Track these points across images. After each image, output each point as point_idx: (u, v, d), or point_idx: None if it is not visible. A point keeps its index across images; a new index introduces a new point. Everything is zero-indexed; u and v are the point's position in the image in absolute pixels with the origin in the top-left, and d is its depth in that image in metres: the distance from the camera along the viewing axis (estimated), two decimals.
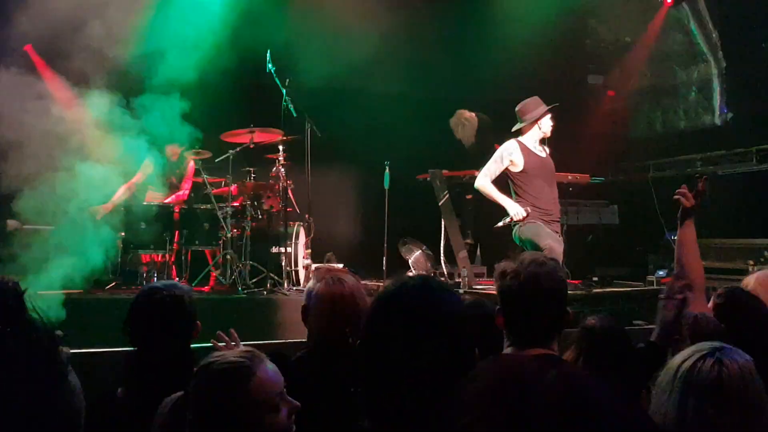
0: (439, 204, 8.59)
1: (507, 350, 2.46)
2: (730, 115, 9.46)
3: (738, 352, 1.80)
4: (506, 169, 6.42)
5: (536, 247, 6.11)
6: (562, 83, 9.58)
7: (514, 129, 6.54)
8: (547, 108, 6.48)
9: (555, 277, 2.46)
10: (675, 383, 1.76)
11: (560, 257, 6.09)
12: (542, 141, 6.62)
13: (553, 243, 6.06)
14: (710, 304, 3.25)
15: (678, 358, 1.83)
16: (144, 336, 2.62)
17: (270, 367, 1.94)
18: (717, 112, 9.54)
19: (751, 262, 7.95)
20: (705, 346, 1.82)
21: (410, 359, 1.52)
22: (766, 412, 1.75)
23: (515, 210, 6.26)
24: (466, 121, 8.83)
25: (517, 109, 6.54)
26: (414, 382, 1.50)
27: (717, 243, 8.97)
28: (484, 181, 6.42)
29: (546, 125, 6.51)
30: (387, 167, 8.54)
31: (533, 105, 6.49)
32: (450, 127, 9.07)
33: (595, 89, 11.03)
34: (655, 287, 8.40)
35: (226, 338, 3.23)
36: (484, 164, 6.64)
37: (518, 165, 6.37)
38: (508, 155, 6.34)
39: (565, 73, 10.04)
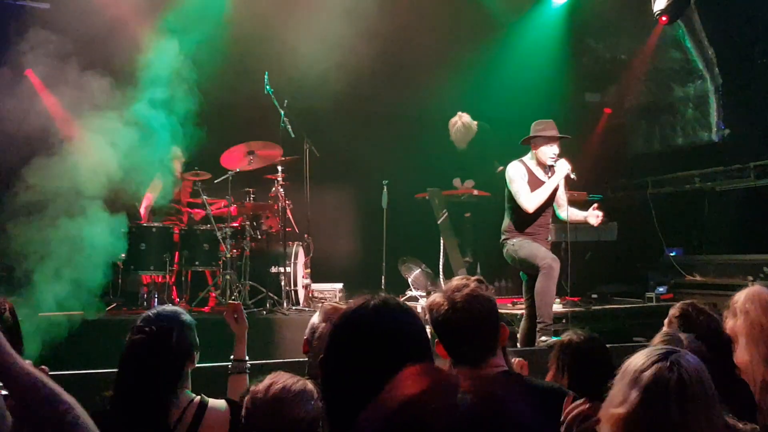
0: (438, 222, 8.70)
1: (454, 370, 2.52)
2: (727, 131, 9.49)
3: (689, 354, 1.96)
4: (507, 187, 6.42)
5: (533, 267, 6.17)
6: (560, 101, 9.68)
7: (521, 142, 6.51)
8: (546, 135, 6.32)
9: (482, 297, 2.54)
10: (636, 386, 1.89)
11: (557, 276, 6.11)
12: (548, 166, 6.45)
13: (552, 262, 6.08)
14: (666, 320, 3.35)
15: (635, 361, 1.95)
16: (127, 385, 2.63)
17: None
18: (714, 129, 9.57)
19: (750, 278, 7.94)
20: (658, 350, 1.96)
21: (365, 377, 1.55)
22: (717, 407, 1.93)
23: (561, 172, 6.23)
24: (464, 126, 8.89)
25: (534, 124, 6.49)
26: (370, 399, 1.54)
27: (717, 259, 9.05)
28: (528, 199, 6.24)
29: (543, 153, 6.34)
30: (385, 187, 8.59)
31: (543, 127, 6.39)
32: (449, 141, 9.14)
33: (592, 107, 11.10)
34: (654, 304, 8.51)
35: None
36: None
37: None
38: (522, 174, 6.30)
39: (563, 91, 10.11)
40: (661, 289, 8.85)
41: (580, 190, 7.87)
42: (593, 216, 6.44)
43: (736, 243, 8.97)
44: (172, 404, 2.67)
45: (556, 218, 6.75)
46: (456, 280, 2.60)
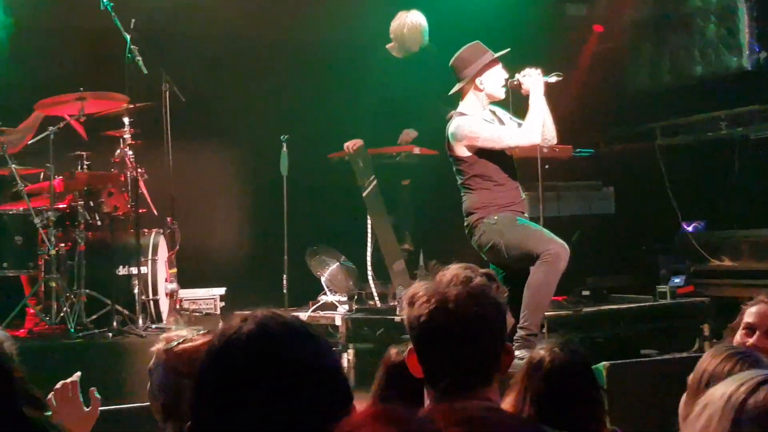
0: (363, 195, 8.69)
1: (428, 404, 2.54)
2: (764, 54, 9.51)
3: None
4: (453, 153, 6.63)
5: (526, 256, 6.27)
6: (531, 17, 9.72)
7: (452, 92, 6.69)
8: (490, 58, 6.52)
9: (489, 299, 2.55)
10: (725, 413, 1.89)
11: (563, 270, 6.27)
12: (499, 104, 6.71)
13: (561, 250, 6.24)
14: (740, 323, 3.50)
15: (724, 388, 1.96)
16: None
17: None
18: (746, 51, 9.52)
19: None
20: (753, 374, 1.97)
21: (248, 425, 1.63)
22: None
23: (538, 84, 6.45)
24: (411, 25, 8.83)
25: (451, 63, 6.67)
26: None
27: (754, 236, 9.20)
28: (524, 131, 6.50)
29: (492, 84, 6.57)
30: (284, 144, 8.57)
31: (471, 56, 6.59)
32: (377, 77, 9.14)
33: (576, 24, 11.13)
34: (669, 301, 8.68)
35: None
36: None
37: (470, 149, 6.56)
38: (482, 121, 6.53)
39: (535, 2, 10.19)
40: (677, 280, 8.96)
41: (563, 143, 7.95)
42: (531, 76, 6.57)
43: None
44: None
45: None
46: (455, 269, 2.58)
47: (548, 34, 10.14)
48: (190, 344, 2.94)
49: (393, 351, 3.31)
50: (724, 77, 9.90)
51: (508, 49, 6.64)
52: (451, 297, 2.49)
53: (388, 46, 9.00)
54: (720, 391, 1.96)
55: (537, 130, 6.46)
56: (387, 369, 3.27)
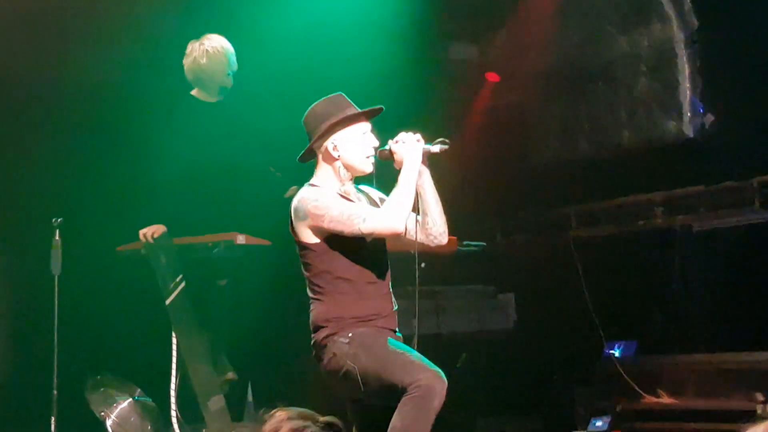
0: (167, 303, 8.46)
1: None
2: (710, 118, 9.59)
3: None
4: (297, 238, 6.26)
5: (389, 389, 5.77)
6: (400, 61, 9.82)
7: (299, 158, 6.42)
8: (349, 114, 6.23)
9: None
10: None
11: (438, 407, 5.73)
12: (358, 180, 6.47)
13: (433, 380, 5.69)
14: None
15: None
16: None
17: None
18: (686, 114, 9.67)
19: (761, 397, 8.24)
20: None
21: None
22: None
23: (413, 153, 6.05)
24: (210, 58, 8.58)
25: (303, 121, 6.38)
26: None
27: (700, 362, 9.26)
28: (384, 213, 6.05)
29: (352, 151, 6.22)
30: (57, 231, 8.09)
31: (326, 110, 6.29)
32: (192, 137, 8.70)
33: (462, 71, 11.28)
34: None
35: None
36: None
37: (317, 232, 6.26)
38: (332, 194, 6.20)
39: (408, 41, 10.07)
40: (599, 423, 9.03)
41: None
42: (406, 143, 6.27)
43: (732, 332, 9.18)
44: None
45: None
46: (288, 422, 2.89)
47: (426, 85, 10.39)
48: None
49: None
50: (659, 147, 9.96)
51: (381, 107, 6.27)
52: None
53: (192, 92, 8.78)
54: None
55: (401, 212, 5.94)
56: None
